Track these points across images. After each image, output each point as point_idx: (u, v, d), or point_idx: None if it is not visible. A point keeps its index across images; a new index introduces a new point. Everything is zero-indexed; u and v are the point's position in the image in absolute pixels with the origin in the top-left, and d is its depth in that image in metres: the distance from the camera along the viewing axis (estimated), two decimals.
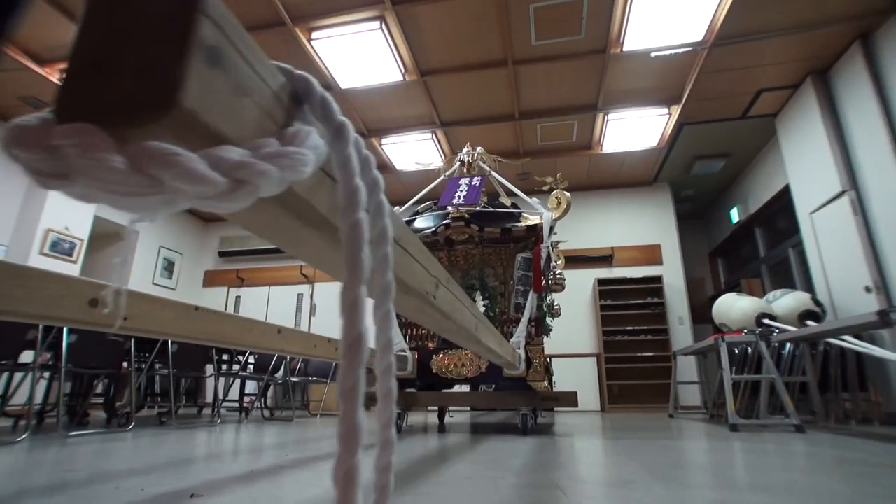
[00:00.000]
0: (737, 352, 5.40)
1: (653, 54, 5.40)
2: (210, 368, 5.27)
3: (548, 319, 4.65)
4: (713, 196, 9.20)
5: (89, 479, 1.84)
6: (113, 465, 2.21)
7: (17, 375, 3.82)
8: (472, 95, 6.29)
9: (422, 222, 4.48)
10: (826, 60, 5.45)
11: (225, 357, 5.83)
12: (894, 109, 4.71)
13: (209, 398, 6.03)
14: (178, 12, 0.26)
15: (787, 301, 5.33)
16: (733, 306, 5.61)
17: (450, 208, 4.26)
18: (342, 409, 0.36)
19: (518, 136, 7.23)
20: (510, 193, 4.81)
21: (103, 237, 8.53)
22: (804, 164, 5.92)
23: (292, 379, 6.34)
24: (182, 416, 5.58)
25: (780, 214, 7.23)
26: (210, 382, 5.68)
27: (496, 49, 5.47)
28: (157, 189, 0.25)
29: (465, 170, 4.77)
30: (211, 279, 10.03)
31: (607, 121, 6.79)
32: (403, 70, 5.76)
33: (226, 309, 9.58)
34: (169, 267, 9.34)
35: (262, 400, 6.60)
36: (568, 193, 4.31)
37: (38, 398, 4.39)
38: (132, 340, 3.98)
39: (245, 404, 6.13)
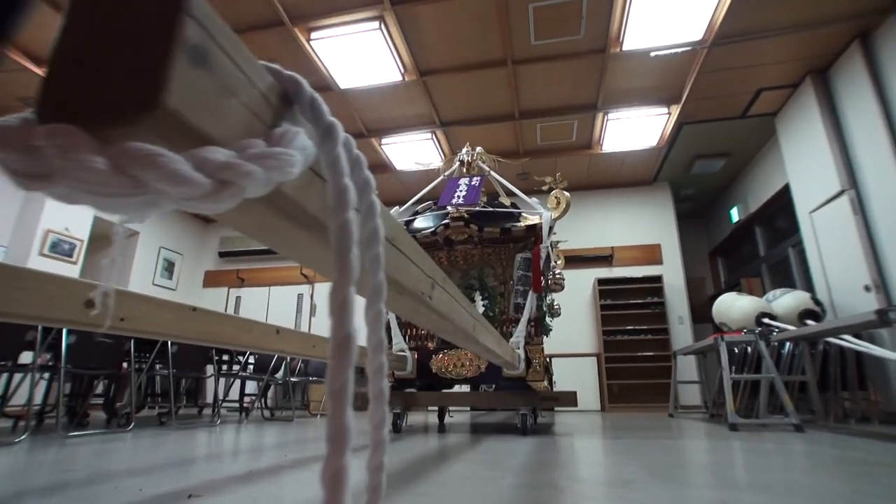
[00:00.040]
0: (736, 351, 5.39)
1: (652, 54, 5.40)
2: (210, 369, 5.27)
3: (547, 319, 4.65)
4: (713, 195, 9.20)
5: (88, 480, 1.85)
6: (112, 465, 2.21)
7: (17, 376, 3.82)
8: (471, 95, 6.29)
9: (421, 222, 4.48)
10: (825, 59, 5.44)
11: (225, 357, 5.83)
12: (893, 109, 4.71)
13: (210, 398, 6.03)
14: (162, 12, 0.26)
15: (786, 300, 5.33)
16: (733, 306, 5.60)
17: (449, 208, 4.25)
18: (330, 409, 0.36)
19: (518, 136, 7.23)
20: (510, 193, 4.81)
21: (103, 238, 8.52)
22: (804, 163, 5.92)
23: (292, 379, 6.34)
24: (182, 416, 5.58)
25: (780, 214, 7.23)
26: (210, 383, 5.68)
27: (496, 49, 5.47)
28: (141, 190, 0.25)
29: (464, 170, 4.77)
30: (211, 279, 10.04)
31: (607, 120, 6.79)
32: (403, 70, 5.76)
33: (226, 309, 9.59)
34: (169, 267, 9.34)
35: (263, 400, 6.60)
36: (567, 193, 4.31)
37: (38, 399, 4.40)
38: (132, 341, 3.98)
39: (245, 404, 6.13)
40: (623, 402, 7.71)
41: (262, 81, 0.36)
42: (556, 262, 5.09)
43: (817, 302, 5.27)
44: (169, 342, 4.32)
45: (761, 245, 8.00)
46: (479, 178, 4.31)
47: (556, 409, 7.31)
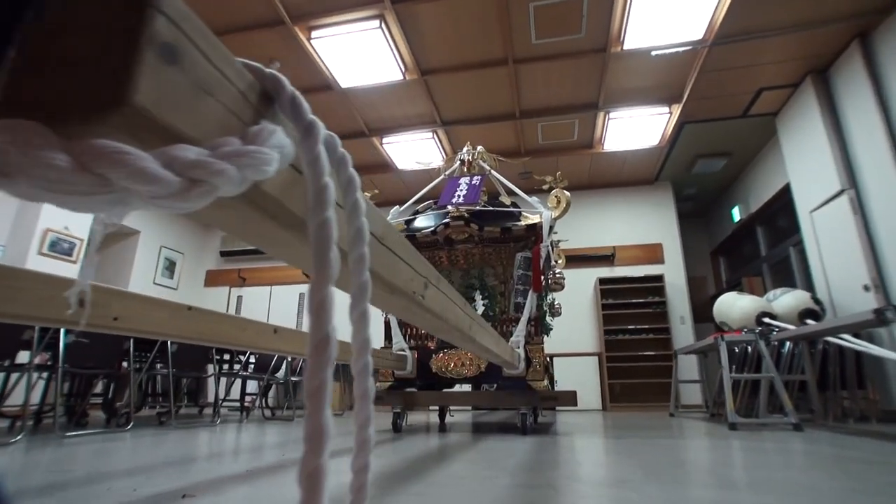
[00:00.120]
0: (737, 351, 5.39)
1: (653, 53, 5.39)
2: (211, 368, 5.28)
3: (548, 318, 4.65)
4: (715, 195, 9.18)
5: (82, 480, 1.85)
6: (108, 465, 2.21)
7: (14, 376, 3.81)
8: (472, 94, 6.29)
9: (421, 221, 4.48)
10: (825, 59, 5.43)
11: (226, 357, 5.83)
12: (892, 108, 4.70)
13: (211, 398, 6.03)
14: (130, 7, 0.26)
15: (787, 300, 5.32)
16: (734, 305, 5.59)
17: (449, 207, 4.25)
18: (308, 409, 0.36)
19: (519, 135, 7.22)
20: (510, 192, 4.80)
21: (103, 237, 8.53)
22: (804, 162, 5.90)
23: (293, 378, 6.34)
24: (182, 416, 5.59)
25: (780, 213, 7.22)
26: (211, 382, 5.68)
27: (496, 48, 5.46)
28: (106, 189, 0.24)
29: (465, 169, 4.76)
30: (212, 279, 10.04)
31: (608, 120, 6.78)
32: (404, 69, 5.75)
33: (227, 309, 9.60)
34: (170, 267, 9.34)
35: (264, 400, 6.60)
36: (567, 192, 4.30)
37: (37, 398, 4.40)
38: (131, 340, 3.98)
39: (246, 404, 6.14)
40: (624, 401, 7.70)
41: (240, 80, 0.36)
42: (556, 261, 5.08)
43: (817, 301, 5.26)
44: (169, 342, 4.33)
45: (762, 244, 7.98)
46: (479, 178, 4.31)
47: (557, 408, 7.31)
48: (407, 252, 0.79)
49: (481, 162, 4.82)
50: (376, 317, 2.79)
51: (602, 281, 8.23)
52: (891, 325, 3.16)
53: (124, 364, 4.18)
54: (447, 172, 4.85)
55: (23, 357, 3.48)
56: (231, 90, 0.34)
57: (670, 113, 6.55)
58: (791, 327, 4.76)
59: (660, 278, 8.10)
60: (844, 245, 5.21)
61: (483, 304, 4.31)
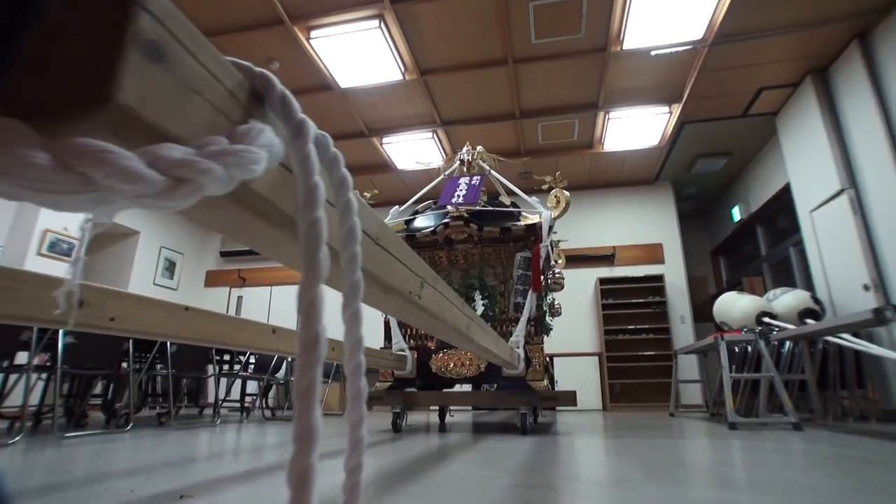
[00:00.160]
0: (737, 350, 5.38)
1: (653, 52, 5.39)
2: (211, 369, 5.27)
3: (548, 318, 4.65)
4: (715, 194, 9.18)
5: (79, 481, 1.85)
6: (106, 466, 2.21)
7: (14, 376, 3.81)
8: (472, 94, 6.28)
9: (421, 221, 4.48)
10: (825, 59, 5.43)
11: (226, 357, 5.83)
12: (892, 108, 4.70)
13: (211, 398, 6.02)
14: (115, 5, 0.25)
15: (786, 299, 5.32)
16: (734, 305, 5.59)
17: (449, 208, 4.25)
18: (297, 409, 0.36)
19: (519, 135, 7.22)
20: (510, 192, 4.80)
21: (103, 237, 8.55)
22: (804, 162, 5.90)
23: (293, 379, 6.33)
24: (182, 416, 5.58)
25: (781, 213, 7.21)
26: (212, 383, 5.68)
27: (496, 48, 5.46)
28: (89, 187, 0.24)
29: (464, 169, 4.76)
30: (213, 279, 10.03)
31: (608, 119, 6.77)
32: (403, 69, 5.75)
33: (227, 309, 9.59)
34: (170, 267, 9.34)
35: (264, 400, 6.60)
36: (567, 192, 4.30)
37: (36, 399, 4.39)
38: (129, 341, 3.98)
39: (246, 404, 6.14)
40: (624, 401, 7.70)
41: (228, 78, 0.36)
42: (556, 261, 5.08)
43: (817, 301, 5.26)
44: (168, 342, 4.32)
45: (763, 244, 7.98)
46: (479, 178, 4.31)
47: (557, 408, 7.31)
48: (402, 252, 0.79)
49: (481, 162, 4.82)
50: (375, 317, 2.80)
51: (602, 281, 8.23)
52: (890, 325, 3.16)
53: (124, 365, 4.18)
54: (447, 172, 4.85)
55: (22, 358, 3.48)
56: (219, 89, 0.34)
57: (670, 113, 6.55)
58: (791, 327, 4.76)
59: (660, 278, 8.10)
60: (844, 245, 5.21)
61: (483, 304, 4.31)
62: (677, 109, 6.40)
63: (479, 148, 4.94)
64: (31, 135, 0.22)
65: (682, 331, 7.86)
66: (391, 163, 7.89)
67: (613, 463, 2.29)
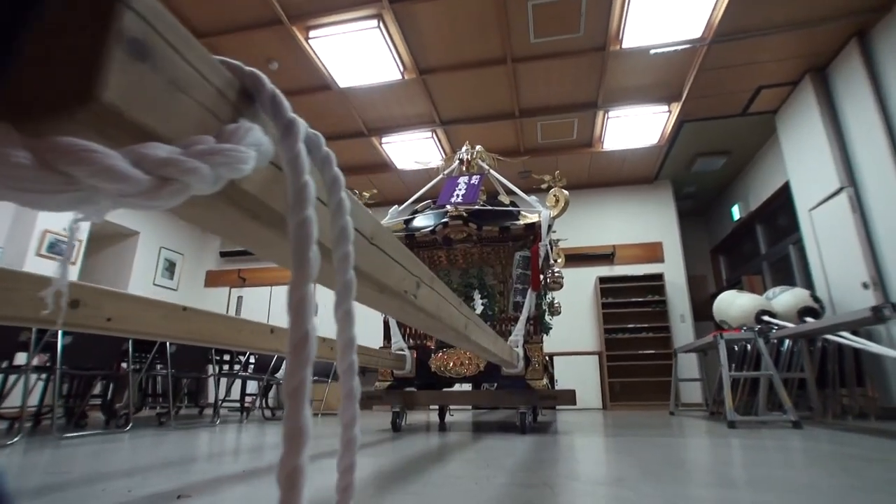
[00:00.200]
0: (736, 349, 5.38)
1: (652, 51, 5.38)
2: (211, 369, 5.27)
3: (548, 317, 4.65)
4: (714, 193, 9.18)
5: (77, 481, 1.85)
6: (104, 466, 2.21)
7: (13, 377, 3.81)
8: (471, 93, 6.28)
9: (420, 221, 4.47)
10: (824, 57, 5.42)
11: (226, 357, 5.83)
12: (891, 106, 4.69)
13: (211, 398, 6.02)
14: (101, 3, 0.25)
15: (786, 298, 5.32)
16: (733, 303, 5.59)
17: (448, 207, 4.25)
18: (287, 408, 0.36)
19: (519, 135, 7.21)
20: (509, 192, 4.80)
21: (103, 238, 8.55)
22: (803, 160, 5.90)
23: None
24: (182, 416, 5.59)
25: (780, 211, 7.21)
26: (211, 383, 5.68)
27: (495, 47, 5.45)
28: (73, 187, 0.24)
29: (463, 168, 4.76)
30: (213, 279, 10.03)
31: (608, 118, 6.77)
32: (402, 69, 5.75)
33: (227, 309, 9.60)
34: (170, 268, 9.33)
35: (264, 400, 6.60)
36: (566, 191, 4.30)
37: (35, 400, 4.39)
38: (129, 341, 3.98)
39: (246, 404, 6.14)
40: (624, 400, 7.70)
41: (217, 77, 0.36)
42: (555, 260, 5.08)
43: (816, 299, 5.26)
44: (167, 342, 4.32)
45: (762, 243, 7.98)
46: (478, 177, 4.31)
47: (557, 407, 7.30)
48: (398, 251, 0.79)
49: (480, 161, 4.81)
50: (373, 316, 2.80)
51: (602, 280, 8.23)
52: (889, 323, 3.16)
53: (123, 365, 4.17)
54: (446, 172, 4.85)
55: (21, 359, 3.48)
56: (207, 88, 0.34)
57: (669, 111, 6.55)
58: (790, 325, 4.76)
59: (660, 277, 8.10)
60: (843, 243, 5.21)
61: (482, 304, 4.31)
62: (676, 108, 6.39)
63: (478, 147, 4.94)
64: (11, 134, 0.22)
65: (682, 329, 7.86)
66: (390, 162, 7.89)
67: (612, 462, 2.29)
